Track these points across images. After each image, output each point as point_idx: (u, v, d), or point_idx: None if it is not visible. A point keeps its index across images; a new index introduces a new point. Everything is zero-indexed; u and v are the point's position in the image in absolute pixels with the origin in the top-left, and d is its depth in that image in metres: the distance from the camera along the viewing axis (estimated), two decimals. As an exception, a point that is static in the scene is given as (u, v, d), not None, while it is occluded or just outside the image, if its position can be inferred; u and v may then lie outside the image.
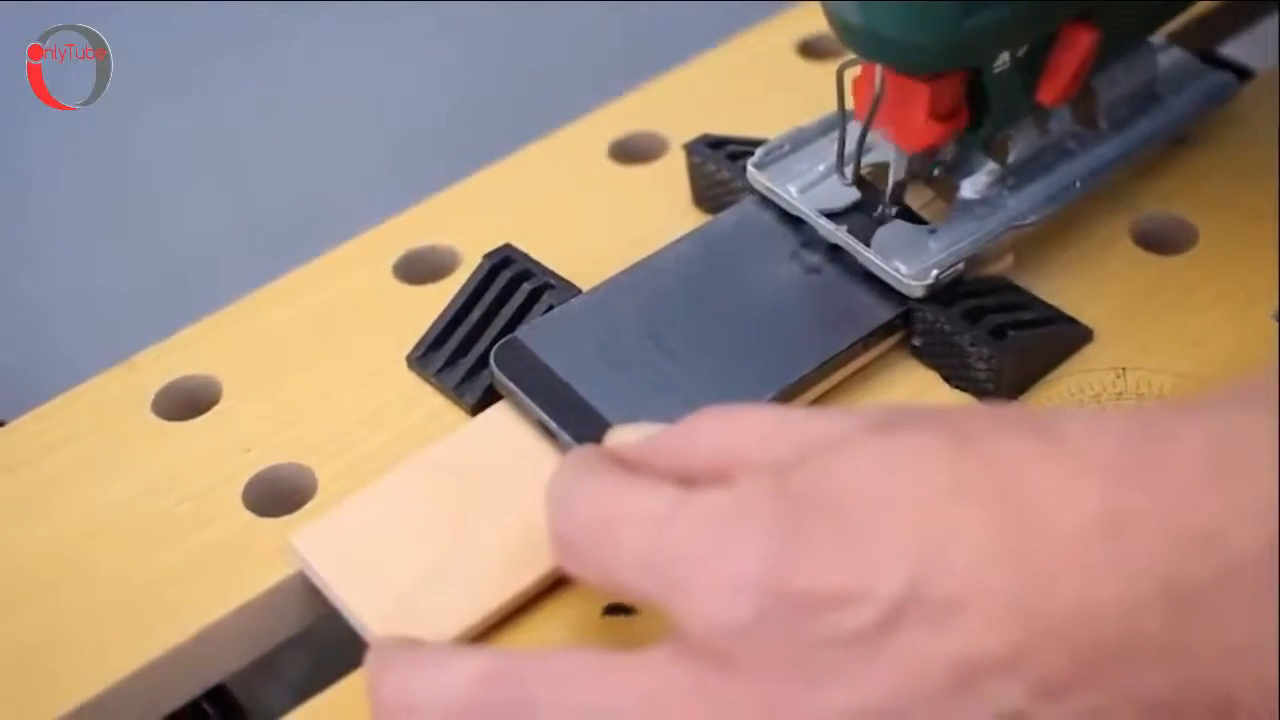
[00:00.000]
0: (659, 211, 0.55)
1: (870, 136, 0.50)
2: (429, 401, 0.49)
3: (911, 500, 0.34)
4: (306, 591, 0.45)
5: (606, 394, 0.46)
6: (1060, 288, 0.51)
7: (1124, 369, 0.48)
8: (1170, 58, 0.55)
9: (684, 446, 0.40)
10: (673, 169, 0.57)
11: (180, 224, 0.72)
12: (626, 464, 0.40)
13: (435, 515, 0.45)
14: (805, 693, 0.33)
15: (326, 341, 0.52)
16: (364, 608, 0.43)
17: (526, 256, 0.51)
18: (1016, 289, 0.50)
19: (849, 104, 0.50)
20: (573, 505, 0.39)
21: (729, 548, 0.35)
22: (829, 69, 0.59)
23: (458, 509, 0.45)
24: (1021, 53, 0.47)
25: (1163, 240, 0.53)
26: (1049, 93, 0.48)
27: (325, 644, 0.46)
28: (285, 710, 0.42)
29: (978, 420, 0.37)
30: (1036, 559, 0.33)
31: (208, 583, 0.45)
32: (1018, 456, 0.34)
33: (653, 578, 0.36)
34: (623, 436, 0.43)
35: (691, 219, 0.55)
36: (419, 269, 0.54)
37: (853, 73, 0.49)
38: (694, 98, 0.60)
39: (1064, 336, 0.49)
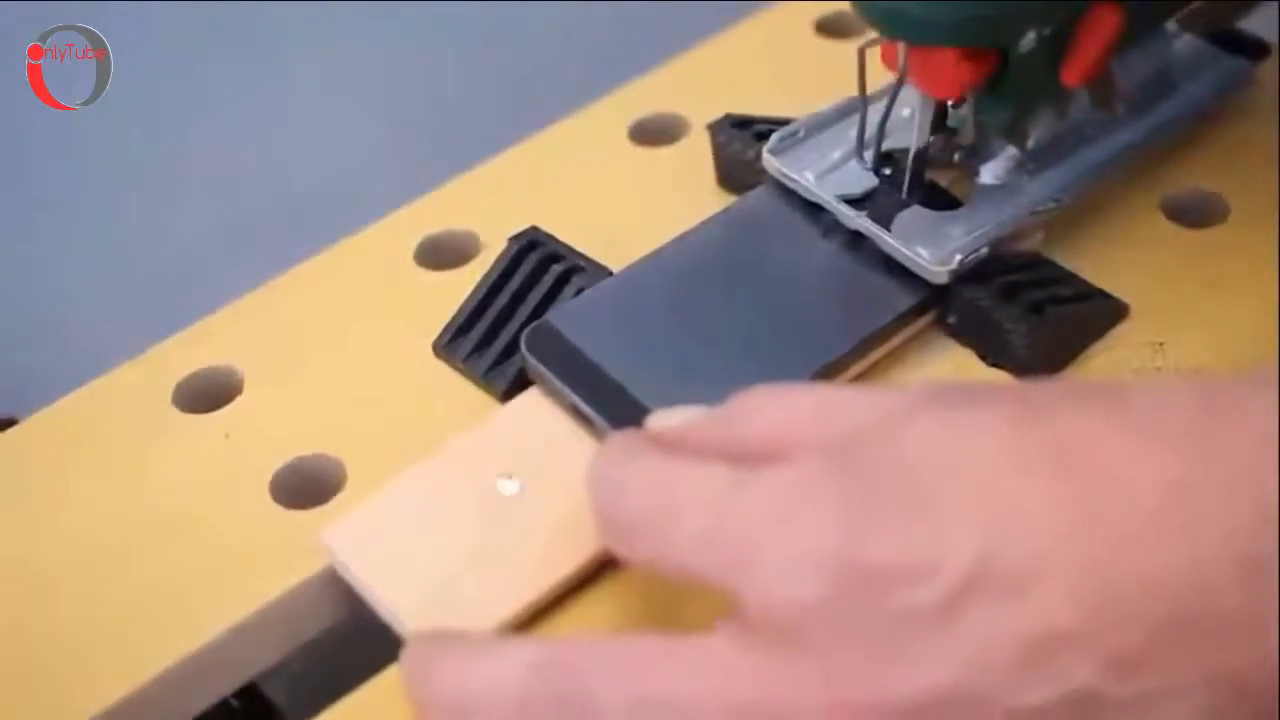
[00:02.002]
0: (683, 193, 0.54)
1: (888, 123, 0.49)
2: (457, 388, 0.48)
3: (981, 472, 0.34)
4: (337, 587, 0.44)
5: (641, 377, 0.45)
6: (1093, 263, 0.50)
7: (1162, 343, 0.48)
8: (1184, 44, 0.55)
9: (731, 428, 0.39)
10: (695, 150, 0.56)
11: (194, 214, 0.71)
12: (673, 447, 0.39)
13: (469, 505, 0.44)
14: (875, 670, 0.33)
15: (348, 329, 0.51)
16: (399, 602, 0.42)
17: (554, 238, 0.50)
18: (1051, 264, 0.49)
19: (870, 86, 0.49)
20: (625, 487, 0.38)
21: (798, 523, 0.34)
22: (847, 47, 0.60)
23: (492, 497, 0.44)
24: (1047, 32, 0.46)
25: (1194, 214, 0.52)
26: (1073, 74, 0.47)
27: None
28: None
29: (1041, 392, 0.36)
30: (1109, 530, 0.32)
31: (236, 579, 0.44)
32: (1086, 427, 0.34)
33: (717, 557, 0.35)
34: (665, 420, 0.42)
35: (717, 199, 0.54)
36: (440, 254, 0.53)
37: (873, 53, 0.49)
38: (713, 78, 0.59)
39: (1100, 311, 0.48)
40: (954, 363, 0.48)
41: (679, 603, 0.42)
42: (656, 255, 0.49)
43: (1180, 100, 0.53)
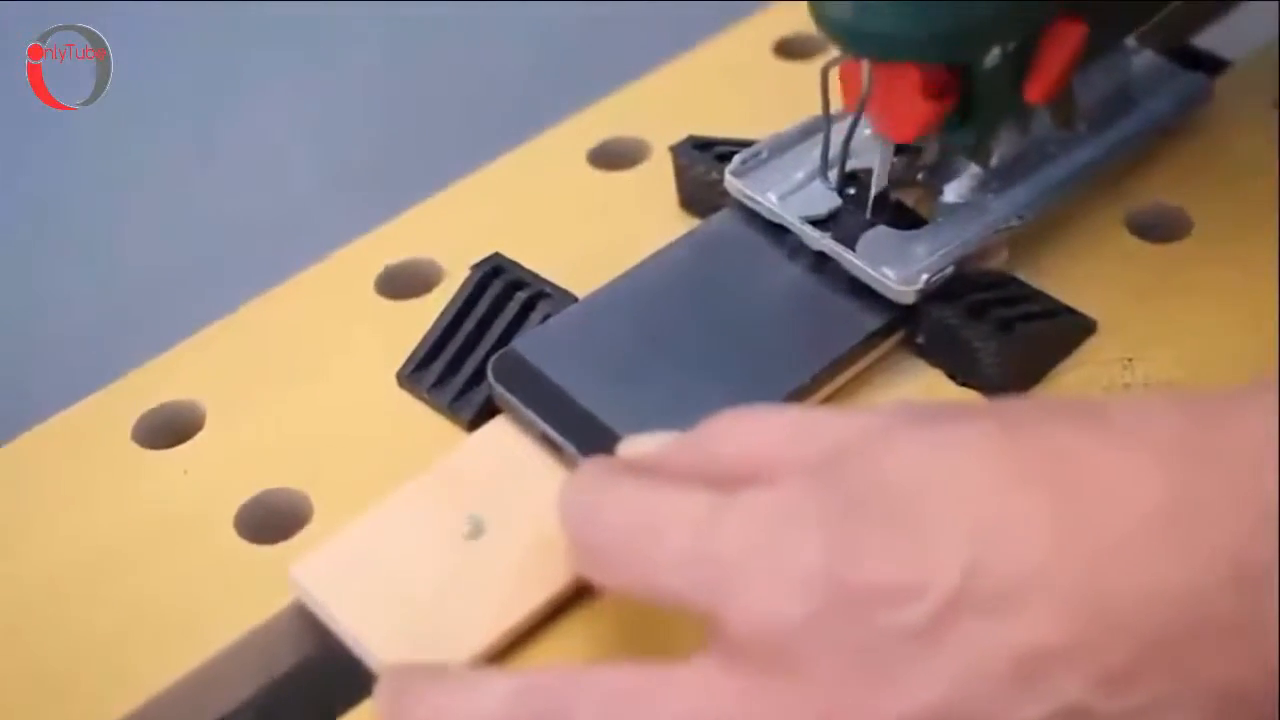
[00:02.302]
0: (645, 216, 0.54)
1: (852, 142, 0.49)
2: (422, 419, 0.48)
3: (964, 490, 0.33)
4: (306, 622, 0.43)
5: (610, 403, 0.45)
6: (1059, 280, 0.50)
7: (1131, 359, 0.48)
8: (1143, 60, 0.55)
9: (704, 452, 0.39)
10: (656, 173, 0.55)
11: (147, 245, 0.70)
12: (647, 472, 0.39)
13: (439, 537, 0.43)
14: (865, 691, 0.33)
15: (310, 361, 0.50)
16: (370, 636, 0.41)
17: (517, 265, 0.50)
18: (1018, 282, 0.49)
19: (833, 105, 0.49)
20: (601, 511, 0.38)
21: (781, 544, 0.34)
22: (807, 68, 0.60)
23: (462, 529, 0.43)
24: (1011, 48, 0.46)
25: (1159, 230, 0.52)
26: (1037, 90, 0.47)
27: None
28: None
29: (1020, 408, 0.36)
30: (1098, 545, 0.32)
31: (202, 616, 0.43)
32: (1069, 442, 0.34)
33: (699, 580, 0.35)
34: (637, 446, 0.42)
35: (680, 222, 0.53)
36: (401, 284, 0.53)
37: (835, 71, 0.49)
38: (673, 101, 0.59)
39: (1069, 328, 0.48)
40: (923, 383, 0.48)
41: (652, 631, 0.41)
42: (622, 280, 0.49)
43: (1141, 116, 0.53)
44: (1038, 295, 0.48)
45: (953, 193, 0.50)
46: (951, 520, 0.33)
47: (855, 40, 0.45)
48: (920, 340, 0.48)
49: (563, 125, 0.58)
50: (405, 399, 0.48)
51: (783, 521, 0.34)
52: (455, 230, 0.54)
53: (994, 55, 0.45)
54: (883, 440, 0.35)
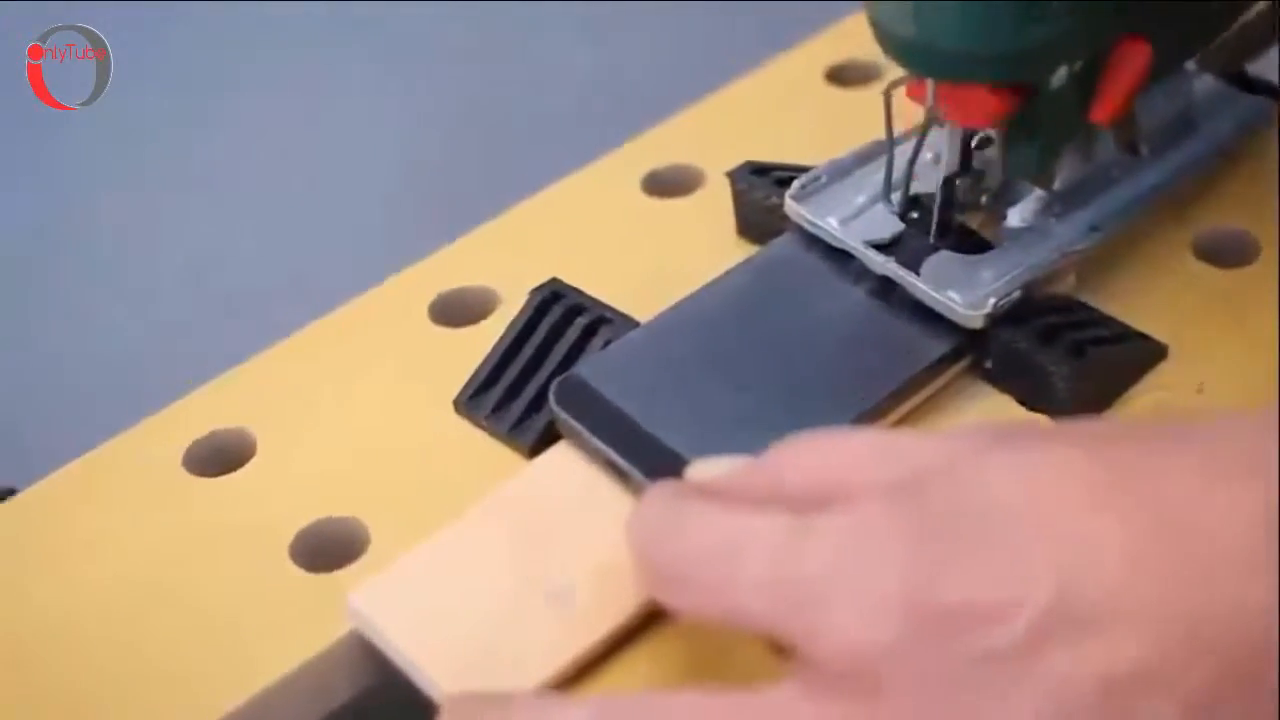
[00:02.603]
0: (701, 243, 0.53)
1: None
2: (481, 446, 0.47)
3: (1051, 511, 0.33)
4: (364, 651, 0.42)
5: (675, 428, 0.44)
6: (1126, 305, 0.49)
7: (1202, 384, 0.47)
8: (1203, 84, 0.54)
9: (777, 475, 0.38)
10: (711, 200, 0.55)
11: (202, 272, 0.70)
12: (719, 495, 0.38)
13: (502, 564, 0.42)
14: (950, 716, 0.31)
15: (365, 388, 0.49)
16: (432, 664, 0.40)
17: (577, 290, 0.49)
18: (1085, 307, 0.48)
19: (897, 128, 0.48)
20: (677, 534, 0.37)
21: (869, 565, 0.33)
22: (859, 95, 0.59)
23: (526, 556, 0.42)
24: (1077, 69, 0.45)
25: (1226, 254, 0.51)
26: (1102, 111, 0.47)
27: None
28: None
29: (1104, 430, 0.36)
30: (1183, 566, 0.31)
31: (259, 646, 0.42)
32: (1155, 464, 0.33)
33: (780, 603, 0.34)
34: (706, 470, 0.41)
35: (737, 249, 0.53)
36: (455, 311, 0.52)
37: (899, 93, 0.48)
38: (725, 128, 0.58)
39: (1140, 353, 0.47)
40: (992, 408, 0.47)
41: (720, 661, 0.41)
42: (683, 305, 0.48)
43: (1203, 139, 0.52)
44: (1107, 320, 0.48)
45: (1016, 217, 0.49)
46: (1038, 543, 0.32)
47: (920, 60, 0.44)
48: (989, 365, 0.47)
49: (616, 153, 0.58)
50: (462, 426, 0.48)
51: (866, 543, 0.33)
52: (510, 257, 0.53)
53: (1060, 75, 0.45)
54: (967, 462, 0.35)
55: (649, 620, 0.41)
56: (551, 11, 0.72)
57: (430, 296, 0.52)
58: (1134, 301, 0.49)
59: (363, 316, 0.52)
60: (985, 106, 0.45)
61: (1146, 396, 0.47)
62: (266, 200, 0.70)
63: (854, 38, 0.61)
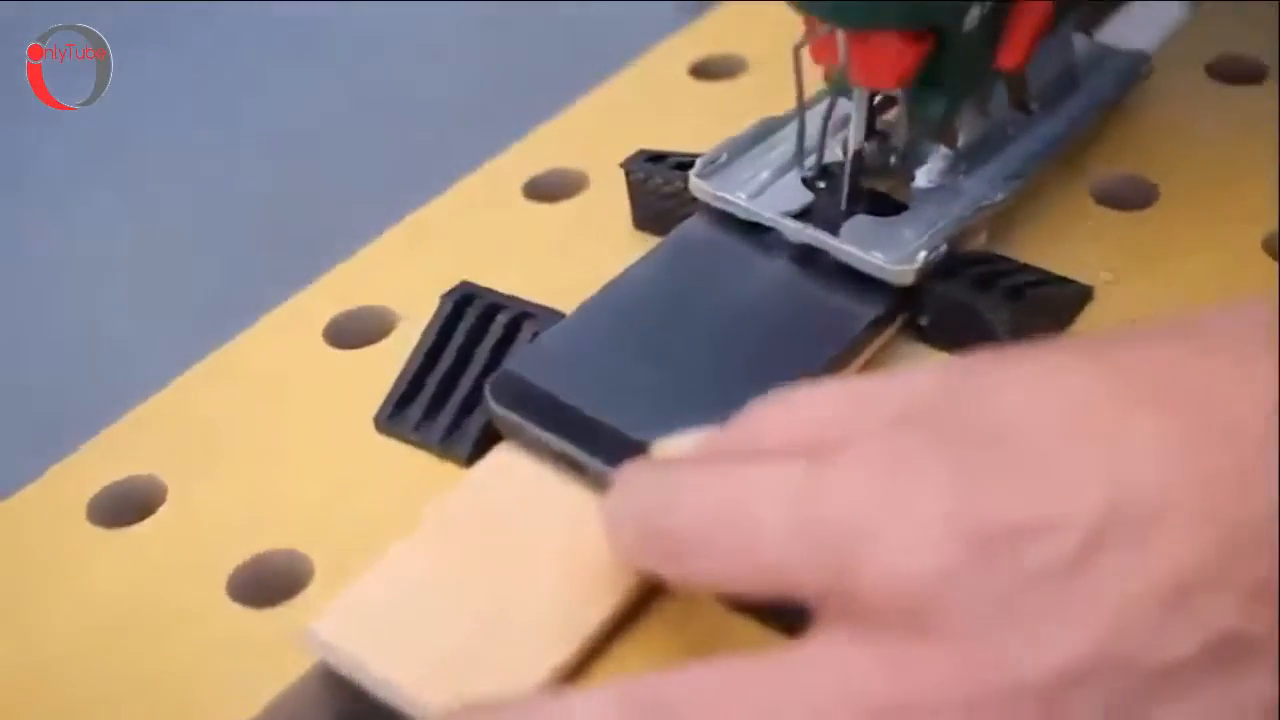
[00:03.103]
0: (598, 242, 0.51)
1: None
2: (411, 460, 0.44)
3: (1078, 418, 0.31)
4: (331, 685, 0.39)
5: (624, 413, 0.42)
6: (1041, 256, 0.48)
7: (1134, 321, 0.46)
8: (1079, 42, 0.54)
9: (755, 438, 0.36)
10: (599, 199, 0.53)
11: (80, 312, 0.66)
12: (707, 461, 0.36)
13: (465, 573, 0.40)
14: (1015, 642, 0.30)
15: (273, 419, 0.46)
16: (416, 684, 0.37)
17: (490, 290, 0.47)
18: (1005, 259, 0.48)
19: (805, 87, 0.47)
20: (680, 501, 0.34)
21: (907, 493, 0.31)
22: (726, 88, 0.58)
23: (488, 561, 0.40)
24: (988, 9, 0.45)
25: (1125, 198, 0.51)
26: (1010, 57, 0.46)
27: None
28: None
29: (1100, 336, 0.34)
30: (1229, 455, 0.30)
31: (212, 697, 0.39)
32: (1170, 357, 0.32)
33: (812, 549, 0.32)
34: (673, 447, 0.39)
35: (637, 242, 0.51)
36: (351, 333, 0.49)
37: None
38: (597, 130, 0.57)
39: (1069, 295, 0.47)
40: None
41: (717, 641, 0.39)
42: (606, 293, 0.46)
43: (1085, 93, 0.52)
44: (1028, 268, 0.47)
45: (924, 177, 0.49)
46: (1077, 451, 0.31)
47: (835, 10, 0.43)
48: (923, 322, 0.46)
49: (489, 165, 0.55)
50: (388, 444, 0.45)
51: (897, 472, 0.32)
52: (399, 276, 0.51)
53: (973, 17, 0.44)
54: (967, 386, 0.33)
55: (633, 611, 0.39)
56: (392, 34, 0.71)
57: (323, 321, 0.49)
58: (1047, 250, 0.49)
59: (256, 347, 0.49)
60: (894, 65, 0.44)
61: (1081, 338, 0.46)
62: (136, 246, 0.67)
63: (713, 33, 0.61)
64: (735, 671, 0.32)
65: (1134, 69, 0.54)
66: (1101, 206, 0.51)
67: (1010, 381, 0.33)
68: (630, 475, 0.37)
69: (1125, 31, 0.60)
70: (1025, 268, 0.47)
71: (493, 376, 0.43)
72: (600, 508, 0.38)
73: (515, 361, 0.44)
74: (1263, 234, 0.49)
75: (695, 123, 0.55)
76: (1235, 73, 0.56)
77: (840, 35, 0.44)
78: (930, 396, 0.34)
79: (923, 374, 0.35)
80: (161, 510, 0.44)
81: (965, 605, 0.30)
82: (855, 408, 0.35)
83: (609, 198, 0.52)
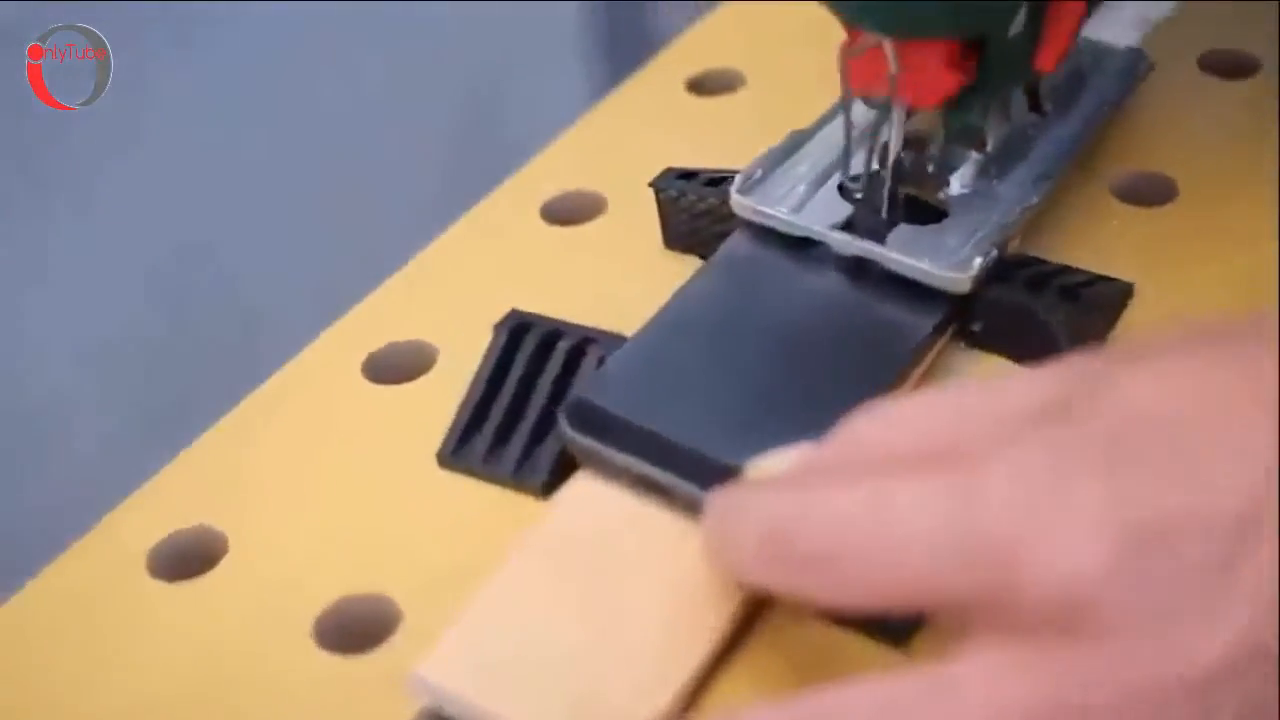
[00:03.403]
0: (630, 263, 0.51)
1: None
2: (480, 494, 0.43)
3: (1213, 412, 0.32)
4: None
5: (704, 434, 0.41)
6: (1072, 257, 0.49)
7: (1178, 316, 0.47)
8: (1080, 43, 0.55)
9: (857, 453, 0.36)
10: (621, 220, 0.52)
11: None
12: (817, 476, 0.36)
13: (569, 605, 0.39)
14: (1180, 633, 0.30)
15: (323, 459, 0.45)
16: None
17: (541, 317, 0.46)
18: (1044, 261, 0.48)
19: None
20: (813, 515, 0.34)
21: (1062, 495, 0.31)
22: (723, 103, 0.58)
23: (587, 591, 0.39)
24: (1028, 14, 0.45)
25: (1145, 195, 0.52)
26: (1048, 59, 0.47)
27: None
28: None
29: (1192, 337, 0.34)
30: None
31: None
32: (1261, 353, 0.32)
33: (969, 558, 0.32)
34: (771, 466, 0.38)
35: (672, 261, 0.50)
36: (389, 368, 0.48)
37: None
38: (602, 149, 0.56)
39: (1115, 293, 0.47)
40: (985, 371, 0.46)
41: (826, 663, 0.38)
42: (665, 314, 0.45)
43: (1094, 93, 0.53)
44: (1069, 269, 0.47)
45: (957, 184, 0.49)
46: (1219, 443, 0.31)
47: (883, 21, 0.43)
48: (976, 328, 0.46)
49: (500, 190, 0.54)
50: (451, 479, 0.44)
51: (1049, 473, 0.32)
52: (431, 308, 0.50)
53: (1018, 21, 0.44)
54: (1096, 383, 0.33)
55: (737, 635, 0.39)
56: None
57: (360, 357, 0.48)
58: (1076, 251, 0.49)
59: (294, 388, 0.47)
60: (940, 84, 0.44)
61: (1129, 336, 0.46)
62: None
63: (707, 48, 0.61)
64: (892, 691, 0.32)
65: (1134, 66, 0.54)
66: (1124, 204, 0.51)
67: (1138, 380, 0.33)
68: (747, 492, 0.37)
69: (1101, 28, 0.61)
70: (1067, 269, 0.47)
71: (566, 404, 0.42)
72: (709, 526, 0.38)
73: (587, 388, 0.43)
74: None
75: (699, 137, 0.55)
76: (1227, 66, 0.57)
77: (888, 47, 0.44)
78: (1055, 400, 0.34)
79: (1032, 380, 0.35)
80: (225, 560, 0.42)
81: (1123, 604, 0.30)
82: (965, 417, 0.35)
83: (631, 217, 0.52)
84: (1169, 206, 0.51)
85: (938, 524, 0.32)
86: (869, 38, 0.44)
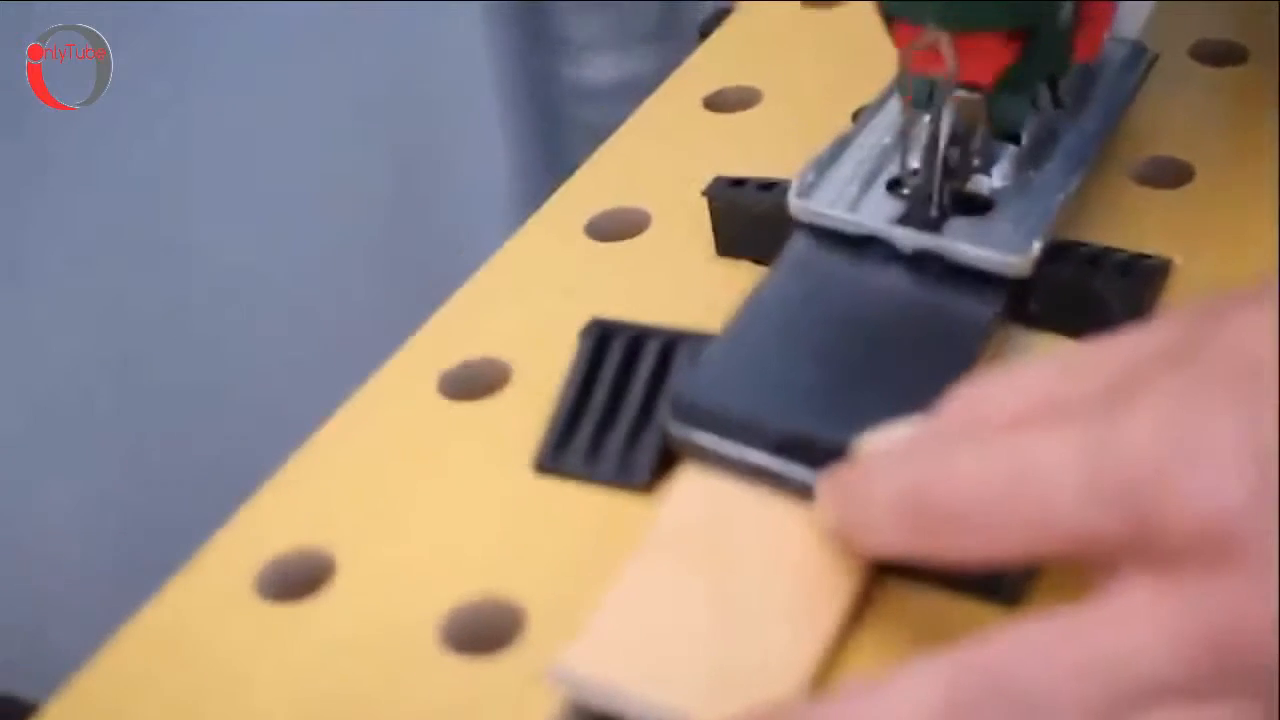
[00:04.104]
0: (687, 272, 0.52)
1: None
2: (585, 496, 0.44)
3: None
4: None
5: (808, 420, 0.43)
6: (1106, 239, 0.51)
7: (1218, 288, 0.49)
8: None
9: (977, 415, 0.38)
10: (666, 233, 0.54)
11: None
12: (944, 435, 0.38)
13: (699, 591, 0.40)
14: None
15: (417, 476, 0.46)
16: (683, 704, 0.37)
17: (625, 323, 0.47)
18: (1088, 244, 0.50)
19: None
20: (951, 474, 0.35)
21: (1199, 429, 0.33)
22: (741, 119, 0.60)
23: (716, 578, 0.40)
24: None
25: (1164, 178, 0.54)
26: (1088, 50, 0.49)
27: None
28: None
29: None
30: None
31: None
32: None
33: (1113, 500, 0.33)
34: (881, 440, 0.40)
35: (730, 268, 0.52)
36: (465, 385, 0.49)
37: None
38: (633, 168, 0.57)
39: (1158, 269, 0.49)
40: (1044, 349, 0.48)
41: (939, 629, 0.40)
42: (745, 311, 0.47)
43: (1107, 84, 0.55)
44: (1112, 249, 0.49)
45: (998, 177, 0.50)
46: None
47: (938, 14, 0.45)
48: (1034, 308, 0.48)
49: (540, 213, 0.56)
50: (549, 484, 0.45)
51: (1184, 409, 0.33)
52: (498, 325, 0.50)
53: (1066, 11, 0.47)
54: (1214, 325, 0.35)
55: (857, 610, 0.40)
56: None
57: (434, 376, 0.49)
58: (1109, 234, 0.51)
59: (372, 406, 0.48)
60: (994, 57, 0.46)
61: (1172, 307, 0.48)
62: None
63: (721, 66, 0.62)
64: (1046, 632, 0.34)
65: (1137, 57, 0.57)
66: (1145, 188, 0.54)
67: (1256, 318, 0.35)
68: (874, 461, 0.38)
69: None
70: (1110, 249, 0.49)
71: (667, 399, 0.44)
72: (830, 500, 0.39)
73: (684, 383, 0.44)
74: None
75: (724, 153, 0.56)
76: (1218, 55, 0.60)
77: (945, 43, 0.46)
78: (1177, 343, 0.35)
79: (1145, 330, 0.37)
80: (336, 578, 0.43)
81: (1267, 528, 0.32)
82: (1079, 373, 0.37)
83: (678, 229, 0.53)
84: (1188, 187, 0.53)
85: (1080, 469, 0.34)
86: (928, 34, 0.46)
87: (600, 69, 1.14)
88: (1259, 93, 0.57)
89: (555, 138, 1.15)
